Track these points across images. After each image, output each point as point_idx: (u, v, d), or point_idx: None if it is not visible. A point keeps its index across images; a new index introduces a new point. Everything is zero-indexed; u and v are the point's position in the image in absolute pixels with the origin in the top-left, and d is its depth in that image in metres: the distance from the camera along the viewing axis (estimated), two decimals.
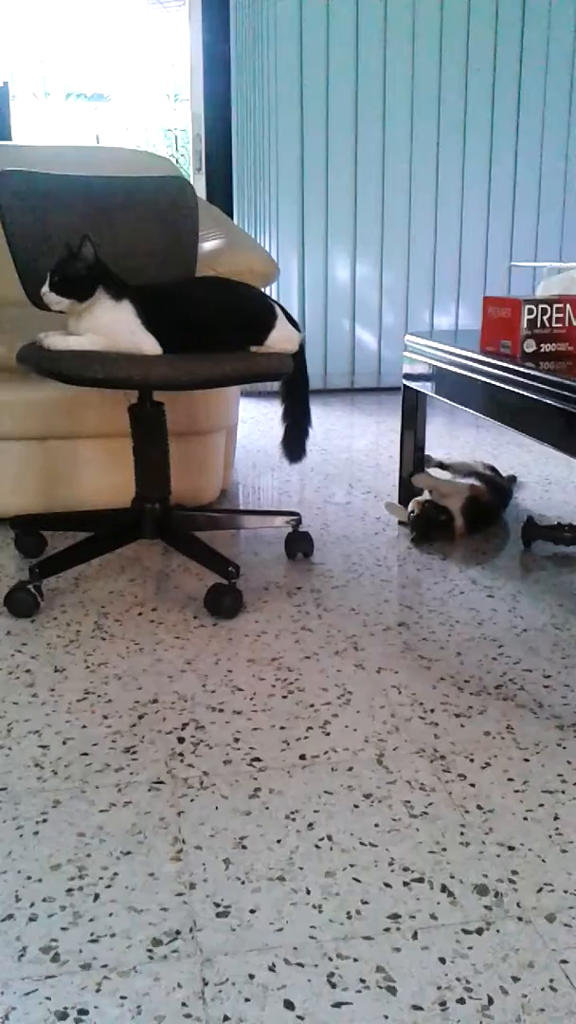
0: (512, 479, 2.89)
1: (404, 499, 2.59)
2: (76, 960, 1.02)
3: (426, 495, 2.46)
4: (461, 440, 3.58)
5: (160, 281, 2.11)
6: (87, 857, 1.19)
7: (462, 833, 1.23)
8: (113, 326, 1.87)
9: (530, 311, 1.97)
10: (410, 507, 2.41)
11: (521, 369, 1.91)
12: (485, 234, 4.66)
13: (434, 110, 4.45)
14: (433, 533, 2.38)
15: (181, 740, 1.46)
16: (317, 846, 1.21)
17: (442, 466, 2.78)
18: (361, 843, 1.21)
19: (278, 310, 1.99)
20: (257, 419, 3.96)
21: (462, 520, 2.40)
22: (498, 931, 1.06)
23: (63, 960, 1.02)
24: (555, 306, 1.99)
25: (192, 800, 1.31)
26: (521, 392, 1.89)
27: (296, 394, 2.10)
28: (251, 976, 0.99)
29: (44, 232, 2.04)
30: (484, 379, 2.05)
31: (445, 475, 2.66)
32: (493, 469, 2.70)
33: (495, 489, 2.57)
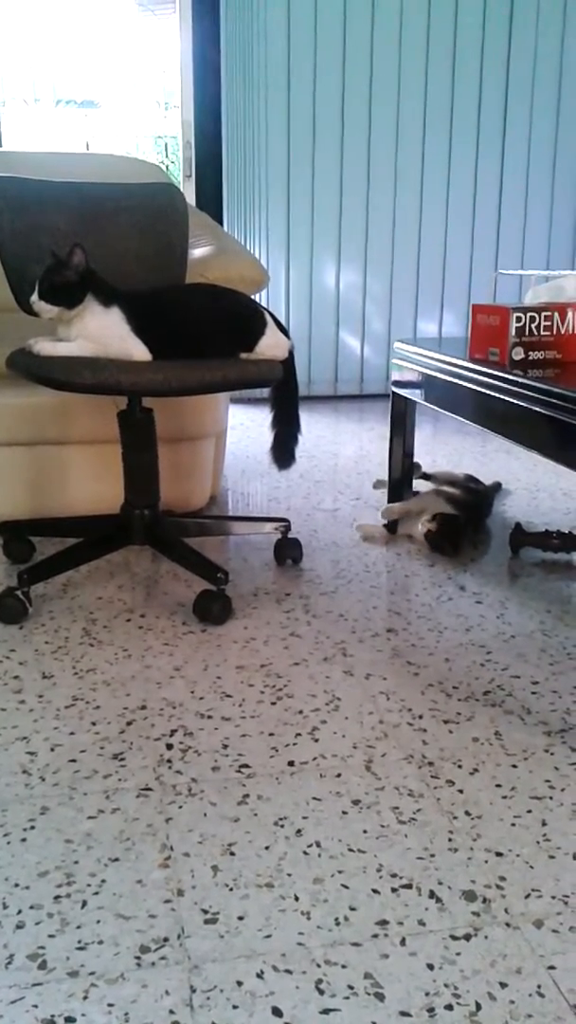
0: (497, 486, 2.90)
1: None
2: (63, 967, 1.01)
3: (427, 514, 2.38)
4: (449, 447, 3.59)
5: (150, 288, 2.11)
6: (75, 864, 1.18)
7: (450, 839, 1.24)
8: (102, 332, 1.87)
9: (518, 319, 1.98)
10: (421, 528, 2.36)
11: (509, 376, 1.92)
12: (470, 241, 4.68)
13: (420, 118, 4.47)
14: (458, 538, 2.34)
15: (169, 747, 1.46)
16: (305, 852, 1.21)
17: (426, 477, 2.80)
18: (349, 849, 1.22)
19: (268, 317, 2.00)
20: (247, 425, 3.97)
21: (463, 513, 2.40)
22: (486, 937, 1.06)
23: (50, 967, 1.01)
24: (543, 314, 2.00)
25: (180, 807, 1.30)
26: (509, 399, 1.90)
27: (285, 401, 2.10)
28: (239, 983, 0.99)
29: (34, 238, 2.04)
30: (473, 386, 2.06)
31: (426, 485, 2.68)
32: (474, 479, 2.71)
33: (470, 491, 2.58)
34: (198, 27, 4.32)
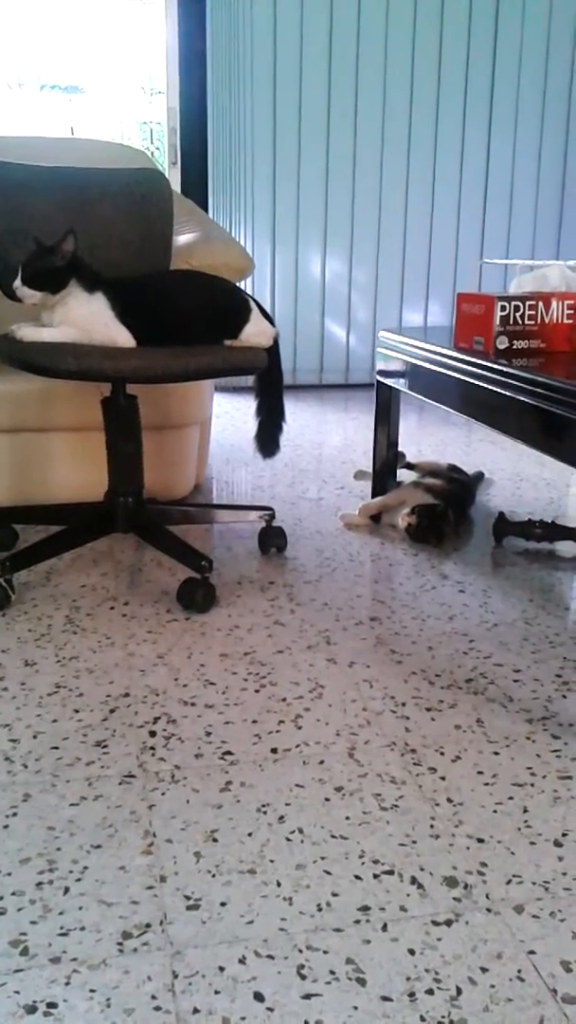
0: (479, 475, 2.91)
1: (378, 494, 2.60)
2: (45, 953, 1.01)
3: (406, 507, 2.38)
4: (435, 437, 3.59)
5: (134, 274, 2.10)
6: (57, 851, 1.18)
7: (432, 826, 1.24)
8: (86, 318, 1.86)
9: (503, 308, 1.99)
10: (402, 523, 2.36)
11: (493, 365, 1.92)
12: (456, 230, 4.67)
13: (406, 106, 4.47)
14: (441, 527, 2.34)
15: (153, 734, 1.46)
16: (288, 839, 1.21)
17: (410, 466, 2.80)
18: (332, 836, 1.22)
19: (252, 304, 1.99)
20: (231, 414, 3.96)
21: (443, 503, 2.39)
22: (467, 923, 1.07)
23: (32, 953, 1.01)
24: (528, 303, 2.00)
25: (163, 794, 1.30)
26: (493, 388, 1.90)
27: (270, 389, 2.10)
28: (221, 968, 1.00)
29: (17, 223, 2.03)
30: (457, 375, 2.06)
31: (411, 475, 2.68)
32: (456, 469, 2.72)
33: (452, 481, 2.58)
34: (183, 13, 4.29)
